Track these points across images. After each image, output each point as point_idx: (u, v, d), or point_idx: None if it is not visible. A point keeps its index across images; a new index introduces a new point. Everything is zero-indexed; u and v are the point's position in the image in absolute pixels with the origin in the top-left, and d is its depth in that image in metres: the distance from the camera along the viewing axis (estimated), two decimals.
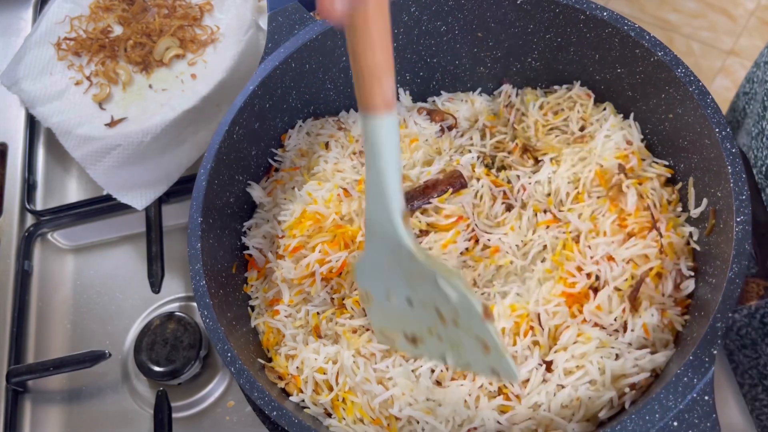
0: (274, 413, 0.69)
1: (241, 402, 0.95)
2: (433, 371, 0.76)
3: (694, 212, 0.79)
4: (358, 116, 0.88)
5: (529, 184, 0.86)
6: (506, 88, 0.97)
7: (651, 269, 0.77)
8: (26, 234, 1.12)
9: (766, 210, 0.78)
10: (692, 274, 0.78)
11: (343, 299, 0.82)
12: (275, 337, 0.83)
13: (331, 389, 0.77)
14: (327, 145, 0.94)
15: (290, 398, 0.78)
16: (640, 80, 0.83)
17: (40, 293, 1.09)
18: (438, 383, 0.76)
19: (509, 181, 0.88)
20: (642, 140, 0.88)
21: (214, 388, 0.97)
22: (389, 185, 0.59)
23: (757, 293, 0.72)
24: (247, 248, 0.90)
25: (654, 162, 0.86)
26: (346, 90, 0.96)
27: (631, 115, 0.88)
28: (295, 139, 0.94)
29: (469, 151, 0.91)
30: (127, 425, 0.97)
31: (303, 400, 0.78)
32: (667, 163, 0.85)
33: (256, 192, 0.92)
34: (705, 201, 0.78)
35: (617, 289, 0.77)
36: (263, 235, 0.89)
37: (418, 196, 0.86)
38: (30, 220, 1.14)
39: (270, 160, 0.94)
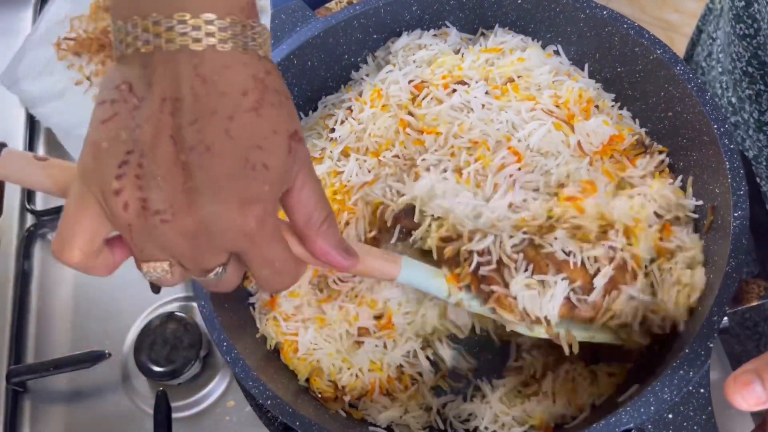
0: (269, 402, 0.69)
1: (241, 402, 0.94)
2: None
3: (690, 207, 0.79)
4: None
5: None
6: None
7: None
8: (26, 234, 1.12)
9: (767, 210, 0.78)
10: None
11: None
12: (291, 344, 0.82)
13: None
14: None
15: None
16: (640, 78, 0.83)
17: (40, 293, 1.09)
18: None
19: None
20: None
21: (214, 388, 0.97)
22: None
23: (757, 294, 0.72)
24: None
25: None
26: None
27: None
28: None
29: None
30: (127, 425, 0.97)
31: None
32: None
33: None
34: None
35: None
36: None
37: None
38: (30, 220, 1.14)
39: None
